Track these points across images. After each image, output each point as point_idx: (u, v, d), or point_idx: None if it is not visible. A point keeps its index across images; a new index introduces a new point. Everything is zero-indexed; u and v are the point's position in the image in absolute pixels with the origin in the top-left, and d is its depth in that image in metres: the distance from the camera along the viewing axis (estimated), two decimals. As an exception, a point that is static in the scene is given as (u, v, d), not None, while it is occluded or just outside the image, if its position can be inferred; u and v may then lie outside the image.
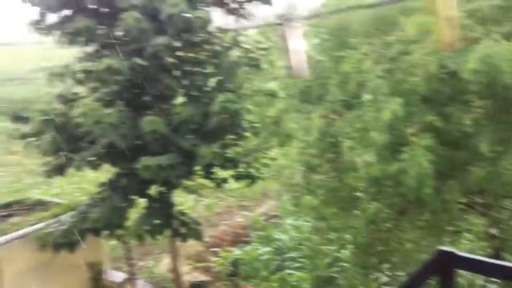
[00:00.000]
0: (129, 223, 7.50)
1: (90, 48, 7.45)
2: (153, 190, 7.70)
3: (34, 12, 7.38)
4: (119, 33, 6.76)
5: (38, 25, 7.20)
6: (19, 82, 34.32)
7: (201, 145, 6.89)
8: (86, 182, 14.09)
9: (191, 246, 10.36)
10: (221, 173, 8.02)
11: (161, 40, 6.45)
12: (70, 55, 7.76)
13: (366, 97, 4.50)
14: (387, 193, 5.18)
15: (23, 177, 15.90)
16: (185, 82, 7.64)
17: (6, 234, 7.15)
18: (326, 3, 5.85)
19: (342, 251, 7.95)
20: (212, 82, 7.56)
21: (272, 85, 6.56)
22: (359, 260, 6.63)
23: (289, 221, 11.10)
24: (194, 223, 7.88)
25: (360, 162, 4.84)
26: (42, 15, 7.26)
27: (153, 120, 6.66)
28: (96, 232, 7.30)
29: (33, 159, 17.38)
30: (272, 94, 6.46)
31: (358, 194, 5.46)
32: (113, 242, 9.09)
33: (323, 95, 5.05)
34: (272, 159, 7.65)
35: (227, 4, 7.61)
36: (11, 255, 7.05)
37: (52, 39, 7.52)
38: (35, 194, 12.38)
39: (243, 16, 7.64)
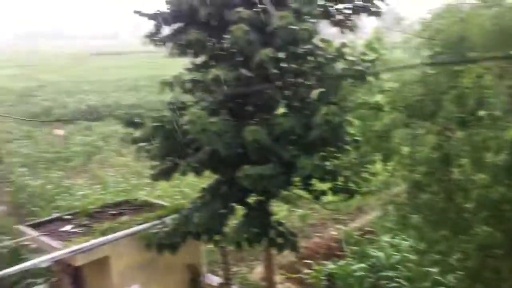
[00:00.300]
0: (227, 229, 7.71)
1: (199, 59, 7.78)
2: (252, 198, 7.85)
3: (149, 25, 7.90)
4: (226, 45, 6.97)
5: (153, 37, 7.65)
6: (128, 89, 36.77)
7: (301, 156, 6.88)
8: (185, 186, 14.74)
9: (284, 256, 10.39)
10: (319, 185, 7.98)
11: (266, 51, 6.55)
12: (177, 64, 8.18)
13: (485, 114, 4.22)
14: (502, 218, 4.81)
15: (129, 178, 16.96)
16: (287, 93, 7.71)
17: (116, 232, 7.62)
18: (440, 14, 5.59)
19: (445, 275, 7.51)
20: (314, 93, 7.55)
21: (378, 99, 6.41)
22: (465, 286, 6.24)
23: (385, 238, 10.74)
24: (290, 234, 7.89)
25: (474, 183, 4.54)
26: (157, 28, 7.71)
27: (255, 130, 6.77)
28: (196, 236, 7.56)
29: (138, 162, 18.59)
30: (377, 108, 6.31)
31: (469, 216, 5.13)
32: (210, 246, 9.39)
33: (436, 111, 4.82)
34: (374, 174, 7.44)
35: (333, 16, 7.57)
36: (119, 252, 7.52)
37: (164, 50, 7.99)
38: (140, 195, 13.14)
39: (349, 27, 7.55)
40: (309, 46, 7.28)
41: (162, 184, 13.84)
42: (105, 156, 20.85)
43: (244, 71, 6.73)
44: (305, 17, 6.79)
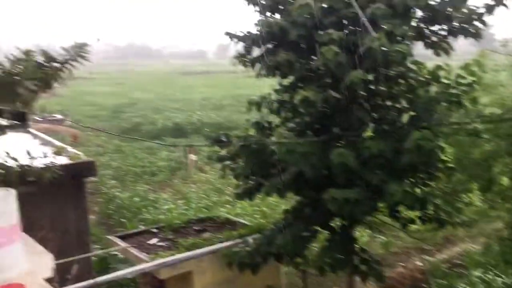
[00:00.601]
0: (310, 252, 7.58)
1: (286, 80, 7.81)
2: (336, 222, 7.68)
3: (236, 46, 8.08)
4: (315, 66, 6.94)
5: (243, 58, 7.80)
6: (213, 107, 37.85)
7: (390, 182, 6.63)
8: (264, 205, 14.77)
9: (367, 284, 10.02)
10: (407, 213, 7.65)
11: (357, 73, 6.44)
12: (260, 84, 8.27)
13: None
14: None
15: (211, 195, 17.32)
16: (376, 115, 7.52)
17: (199, 248, 7.75)
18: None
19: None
20: (405, 117, 7.30)
21: (476, 125, 6.04)
22: None
23: (476, 273, 10.04)
24: (375, 262, 7.60)
25: None
26: (247, 49, 7.86)
27: (342, 153, 6.63)
28: (278, 257, 7.51)
29: (219, 179, 18.95)
30: (475, 134, 5.95)
31: None
32: (290, 268, 9.28)
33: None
34: (468, 204, 6.99)
35: (427, 37, 7.31)
36: (202, 268, 7.62)
37: (249, 70, 8.12)
38: (221, 212, 13.33)
39: (444, 50, 7.24)
40: (401, 68, 7.08)
41: (242, 203, 13.97)
42: (188, 172, 21.48)
43: (332, 93, 6.64)
44: (398, 38, 6.60)
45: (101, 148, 25.69)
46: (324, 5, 7.17)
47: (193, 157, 21.24)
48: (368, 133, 7.64)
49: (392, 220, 7.88)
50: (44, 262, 2.23)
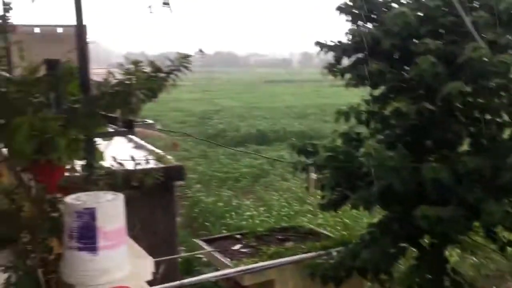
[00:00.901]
0: (396, 270, 7.30)
1: (377, 91, 7.61)
2: (425, 240, 7.33)
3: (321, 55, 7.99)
4: (409, 76, 6.69)
5: (333, 68, 7.72)
6: (297, 116, 37.90)
7: (487, 200, 6.21)
8: (347, 217, 14.47)
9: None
10: (505, 234, 7.14)
11: (455, 85, 6.12)
12: (345, 94, 8.11)
13: None
14: None
15: (292, 204, 17.30)
16: (473, 129, 7.11)
17: (282, 257, 7.74)
18: None
19: None
20: (506, 132, 6.83)
21: None
22: None
23: None
24: (468, 285, 7.15)
25: None
26: (337, 59, 7.77)
27: (435, 168, 6.32)
28: (362, 272, 7.29)
29: (301, 188, 18.89)
30: None
31: None
32: (372, 284, 8.99)
33: None
34: None
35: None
36: (284, 278, 7.60)
37: (333, 79, 8.00)
38: (302, 222, 13.26)
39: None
40: (503, 80, 6.63)
41: (324, 213, 13.80)
42: (270, 179, 21.63)
43: (427, 105, 6.37)
44: (502, 48, 6.19)
45: (188, 153, 26.62)
46: (420, 14, 6.92)
47: (313, 175, 21.32)
48: (464, 147, 7.25)
49: (487, 241, 7.39)
50: (145, 265, 2.32)
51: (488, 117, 7.13)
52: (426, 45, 6.35)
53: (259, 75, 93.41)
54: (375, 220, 9.36)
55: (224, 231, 13.86)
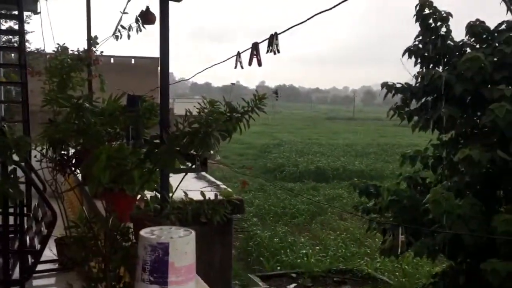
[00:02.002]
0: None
1: (446, 135, 7.40)
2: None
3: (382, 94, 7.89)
4: (481, 123, 6.46)
5: (401, 110, 7.59)
6: (356, 154, 37.34)
7: None
8: (406, 263, 13.88)
9: None
10: None
11: (531, 134, 5.84)
12: (406, 134, 7.89)
13: None
14: None
15: (349, 245, 16.86)
16: (550, 182, 6.70)
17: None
18: None
19: None
20: None
21: None
22: None
23: None
24: None
25: None
26: (405, 101, 7.65)
27: (508, 220, 5.98)
28: (423, 325, 6.94)
29: (359, 229, 18.41)
30: None
31: None
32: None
33: None
34: None
35: None
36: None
37: (396, 119, 7.85)
38: (359, 265, 12.85)
39: None
40: None
41: (382, 257, 13.34)
42: (327, 218, 21.26)
43: (500, 153, 6.09)
44: None
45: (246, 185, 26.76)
46: (496, 59, 6.72)
47: (402, 237, 20.96)
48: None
49: None
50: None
51: None
52: (501, 92, 6.13)
53: (321, 111, 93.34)
54: (438, 269, 8.96)
55: (278, 268, 13.68)
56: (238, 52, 2.95)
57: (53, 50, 5.43)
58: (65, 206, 4.69)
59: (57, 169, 3.70)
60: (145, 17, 4.90)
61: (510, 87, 6.32)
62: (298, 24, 2.78)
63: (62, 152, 3.45)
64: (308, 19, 2.71)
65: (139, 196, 3.02)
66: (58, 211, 4.01)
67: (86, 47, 5.80)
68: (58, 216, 3.98)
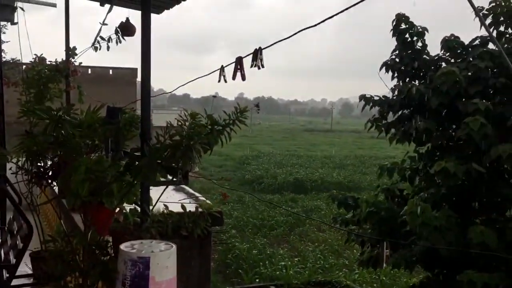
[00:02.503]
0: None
1: (422, 148, 7.51)
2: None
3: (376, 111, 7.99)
4: (457, 136, 6.58)
5: (378, 122, 7.69)
6: (334, 166, 37.56)
7: (538, 270, 5.90)
8: (384, 274, 13.98)
9: None
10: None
11: (505, 147, 5.97)
12: (383, 146, 7.99)
13: None
14: None
15: (328, 256, 16.90)
16: (524, 194, 6.84)
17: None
18: None
19: None
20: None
21: None
22: None
23: None
24: None
25: None
26: (382, 113, 7.76)
27: (483, 232, 6.09)
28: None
29: (337, 240, 18.49)
30: None
31: None
32: None
33: None
34: None
35: None
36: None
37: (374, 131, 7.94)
38: (338, 277, 12.88)
39: None
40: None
41: (360, 269, 13.41)
42: (305, 229, 21.30)
43: (476, 166, 6.20)
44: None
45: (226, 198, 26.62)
46: (470, 74, 6.88)
47: (387, 252, 20.99)
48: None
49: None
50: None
51: (540, 182, 6.88)
52: (475, 105, 6.26)
53: (299, 123, 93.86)
54: (415, 280, 9.04)
55: (257, 280, 13.63)
56: (222, 66, 2.95)
57: (30, 61, 5.35)
58: (41, 220, 4.59)
59: (33, 182, 3.63)
60: (125, 28, 4.87)
61: (484, 101, 6.48)
62: (282, 40, 2.80)
63: (39, 164, 3.39)
64: (293, 35, 2.75)
65: (118, 209, 2.98)
66: (34, 224, 3.92)
67: (64, 58, 5.73)
68: (34, 229, 3.89)
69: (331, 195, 8.44)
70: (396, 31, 7.63)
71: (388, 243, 7.26)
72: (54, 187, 4.12)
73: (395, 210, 7.15)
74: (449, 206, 6.89)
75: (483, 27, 7.00)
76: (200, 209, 2.86)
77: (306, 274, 14.01)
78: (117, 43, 4.99)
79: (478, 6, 7.21)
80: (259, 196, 26.31)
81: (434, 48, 7.76)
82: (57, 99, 4.96)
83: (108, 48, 5.06)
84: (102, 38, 5.15)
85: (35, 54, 5.33)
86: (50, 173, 3.55)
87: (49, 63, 5.29)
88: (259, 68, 2.77)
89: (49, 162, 3.52)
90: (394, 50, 7.79)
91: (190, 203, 5.25)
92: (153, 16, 3.45)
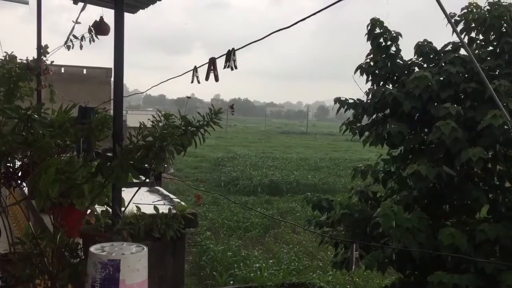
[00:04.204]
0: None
1: (395, 151, 7.62)
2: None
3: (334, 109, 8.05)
4: (429, 139, 6.70)
5: (352, 125, 7.78)
6: (310, 168, 37.74)
7: (506, 271, 6.04)
8: (357, 276, 14.13)
9: None
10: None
11: (475, 151, 6.11)
12: (357, 149, 8.09)
13: None
14: None
15: (302, 258, 16.98)
16: (492, 196, 7.01)
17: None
18: None
19: None
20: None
21: None
22: None
23: None
24: None
25: None
26: (357, 117, 7.85)
27: (453, 234, 6.21)
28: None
29: (311, 242, 18.59)
30: None
31: None
32: None
33: None
34: None
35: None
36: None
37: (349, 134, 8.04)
38: (312, 278, 12.95)
39: None
40: (525, 149, 6.61)
41: (334, 271, 13.51)
42: (280, 231, 21.35)
43: (446, 169, 6.33)
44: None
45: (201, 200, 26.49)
46: (442, 78, 7.02)
47: (357, 254, 21.02)
48: (483, 215, 7.14)
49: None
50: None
51: (508, 185, 7.06)
52: (447, 110, 6.39)
53: (275, 125, 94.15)
54: (387, 281, 9.16)
55: (231, 282, 13.59)
56: (195, 66, 2.93)
57: (0, 59, 5.22)
58: (10, 221, 4.48)
59: (1, 182, 3.54)
60: (99, 27, 4.80)
61: (455, 105, 6.62)
62: (255, 41, 2.80)
63: (8, 164, 3.31)
64: (266, 36, 2.74)
65: (89, 210, 2.93)
66: (2, 226, 3.82)
67: (35, 56, 5.61)
68: (2, 231, 3.80)
69: (306, 197, 8.49)
70: (371, 35, 7.73)
71: (361, 245, 7.32)
72: (24, 188, 4.03)
73: (368, 212, 7.23)
74: (421, 209, 7.01)
75: (454, 33, 7.13)
76: (173, 211, 2.83)
77: (281, 275, 14.04)
78: (90, 42, 4.91)
79: (450, 13, 7.37)
80: (234, 198, 26.25)
81: (406, 43, 7.88)
82: (28, 98, 4.85)
83: (81, 47, 4.98)
84: (75, 37, 5.07)
85: (5, 52, 5.21)
86: (20, 174, 3.47)
87: (20, 61, 5.17)
88: (232, 69, 2.76)
89: (19, 163, 3.44)
90: (368, 54, 7.90)
91: (164, 204, 5.20)
92: (128, 15, 3.41)
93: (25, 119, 2.57)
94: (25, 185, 3.61)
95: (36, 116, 2.66)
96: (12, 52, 5.23)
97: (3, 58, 5.20)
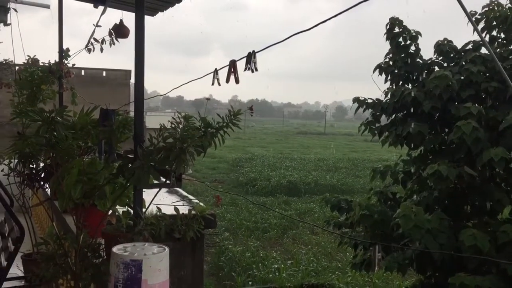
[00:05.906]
0: None
1: (415, 151, 7.54)
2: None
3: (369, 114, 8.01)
4: (449, 140, 6.62)
5: (371, 125, 7.72)
6: (328, 169, 37.60)
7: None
8: (377, 277, 14.02)
9: None
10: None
11: (497, 151, 6.01)
12: (376, 149, 8.03)
13: None
14: None
15: (321, 259, 16.91)
16: (515, 198, 6.89)
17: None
18: None
19: None
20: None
21: None
22: None
23: None
24: None
25: None
26: (376, 117, 7.79)
27: (475, 235, 6.12)
28: None
29: (330, 243, 18.50)
30: None
31: None
32: None
33: None
34: None
35: None
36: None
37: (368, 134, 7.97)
38: (331, 279, 12.89)
39: None
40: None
41: (353, 272, 13.43)
42: (299, 232, 21.30)
43: (468, 170, 6.24)
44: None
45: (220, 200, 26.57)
46: (463, 78, 6.93)
47: (379, 255, 20.96)
48: (505, 215, 7.02)
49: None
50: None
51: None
52: (468, 109, 6.31)
53: (293, 126, 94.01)
54: (407, 283, 9.07)
55: (250, 283, 13.61)
56: (216, 69, 2.95)
57: (23, 62, 5.32)
58: (33, 222, 4.57)
59: (25, 183, 3.61)
60: (119, 30, 4.86)
61: (476, 105, 6.53)
62: (276, 43, 2.81)
63: (31, 166, 3.37)
64: (287, 38, 2.75)
65: (111, 211, 2.97)
66: (26, 226, 3.90)
67: (57, 60, 5.71)
68: (26, 232, 3.87)
69: (324, 198, 8.45)
70: (390, 35, 7.67)
71: (381, 246, 7.28)
72: (47, 189, 4.10)
73: (387, 213, 7.17)
74: (441, 209, 6.93)
75: (475, 32, 7.05)
76: (193, 212, 2.86)
77: (299, 276, 14.01)
78: (110, 45, 4.98)
79: (471, 11, 7.28)
80: (252, 198, 26.30)
81: (426, 42, 7.80)
82: (50, 100, 4.94)
83: (101, 50, 5.05)
84: (96, 40, 5.14)
85: (28, 55, 5.31)
86: (43, 175, 3.54)
87: (42, 64, 5.27)
88: (252, 72, 2.77)
89: (42, 164, 3.50)
90: (387, 54, 7.83)
91: (183, 205, 5.26)
92: (148, 18, 3.45)
93: (49, 122, 2.62)
94: (48, 186, 3.68)
95: (59, 118, 2.71)
96: (35, 55, 5.33)
97: (26, 61, 5.30)
